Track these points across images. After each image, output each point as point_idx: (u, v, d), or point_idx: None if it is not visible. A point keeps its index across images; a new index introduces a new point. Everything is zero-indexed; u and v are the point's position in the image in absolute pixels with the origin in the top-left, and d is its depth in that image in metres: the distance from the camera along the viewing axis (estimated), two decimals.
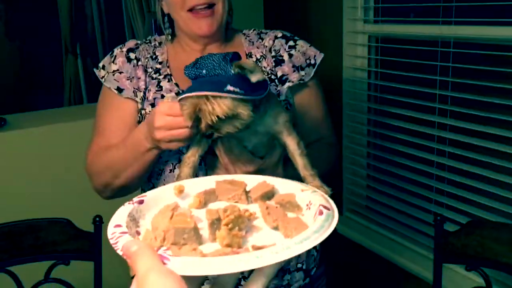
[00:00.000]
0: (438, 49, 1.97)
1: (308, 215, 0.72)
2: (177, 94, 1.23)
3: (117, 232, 0.64)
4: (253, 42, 1.33)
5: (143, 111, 1.24)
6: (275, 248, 0.57)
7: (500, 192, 1.80)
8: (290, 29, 1.39)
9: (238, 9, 1.34)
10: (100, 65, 1.30)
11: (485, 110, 1.84)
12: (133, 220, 0.70)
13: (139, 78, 1.26)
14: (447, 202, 2.02)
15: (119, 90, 1.26)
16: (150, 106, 1.23)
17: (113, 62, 1.29)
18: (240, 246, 0.63)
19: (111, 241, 0.62)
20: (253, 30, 1.37)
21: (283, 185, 0.82)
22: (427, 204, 2.10)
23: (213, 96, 0.86)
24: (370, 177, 2.42)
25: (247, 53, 1.31)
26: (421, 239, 2.14)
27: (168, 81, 1.26)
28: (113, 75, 1.27)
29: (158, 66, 1.29)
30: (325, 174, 1.02)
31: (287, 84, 1.27)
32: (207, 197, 0.80)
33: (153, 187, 1.24)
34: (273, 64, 1.28)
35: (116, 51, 1.30)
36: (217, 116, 0.86)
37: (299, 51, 1.30)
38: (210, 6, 1.21)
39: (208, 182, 0.84)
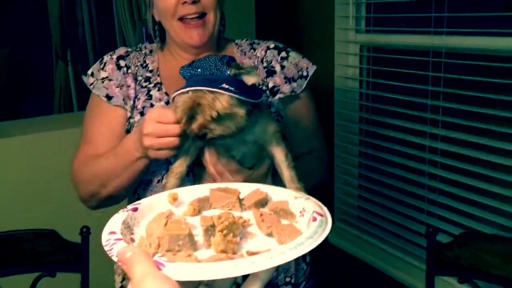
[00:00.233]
0: (430, 59, 1.97)
1: (301, 222, 0.73)
2: (167, 103, 1.21)
3: (112, 239, 0.64)
4: (245, 52, 1.31)
5: (131, 120, 1.22)
6: (270, 253, 0.57)
7: (492, 203, 1.80)
8: (282, 38, 1.38)
9: (229, 19, 1.33)
10: (89, 72, 1.28)
11: (477, 120, 1.84)
12: (128, 227, 0.70)
13: (129, 86, 1.24)
14: (439, 213, 2.02)
15: (108, 97, 1.24)
16: (139, 115, 1.21)
17: (102, 69, 1.26)
18: (235, 252, 0.64)
19: (106, 248, 0.62)
20: (246, 40, 1.35)
21: (276, 193, 0.83)
22: (419, 215, 2.10)
23: (212, 92, 0.85)
24: (361, 187, 2.42)
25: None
26: (413, 250, 2.13)
27: (158, 90, 1.24)
28: (103, 82, 1.25)
29: (149, 74, 1.27)
30: (314, 189, 1.01)
31: (278, 96, 1.26)
32: (201, 205, 0.80)
33: (139, 198, 1.22)
34: (265, 75, 1.27)
35: (106, 58, 1.28)
36: (217, 112, 0.86)
37: (291, 62, 1.28)
38: (202, 15, 1.19)
39: (202, 190, 0.85)
